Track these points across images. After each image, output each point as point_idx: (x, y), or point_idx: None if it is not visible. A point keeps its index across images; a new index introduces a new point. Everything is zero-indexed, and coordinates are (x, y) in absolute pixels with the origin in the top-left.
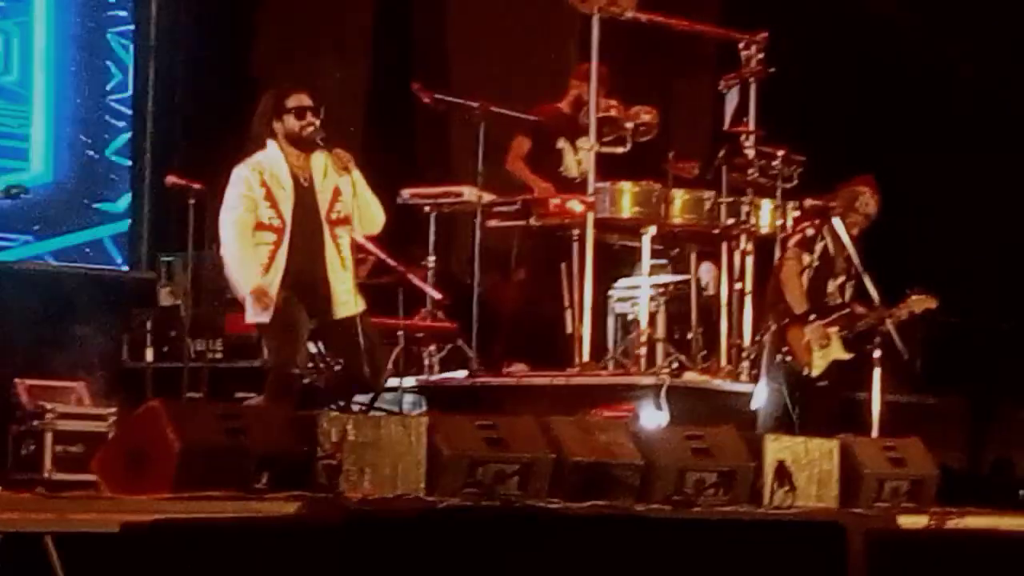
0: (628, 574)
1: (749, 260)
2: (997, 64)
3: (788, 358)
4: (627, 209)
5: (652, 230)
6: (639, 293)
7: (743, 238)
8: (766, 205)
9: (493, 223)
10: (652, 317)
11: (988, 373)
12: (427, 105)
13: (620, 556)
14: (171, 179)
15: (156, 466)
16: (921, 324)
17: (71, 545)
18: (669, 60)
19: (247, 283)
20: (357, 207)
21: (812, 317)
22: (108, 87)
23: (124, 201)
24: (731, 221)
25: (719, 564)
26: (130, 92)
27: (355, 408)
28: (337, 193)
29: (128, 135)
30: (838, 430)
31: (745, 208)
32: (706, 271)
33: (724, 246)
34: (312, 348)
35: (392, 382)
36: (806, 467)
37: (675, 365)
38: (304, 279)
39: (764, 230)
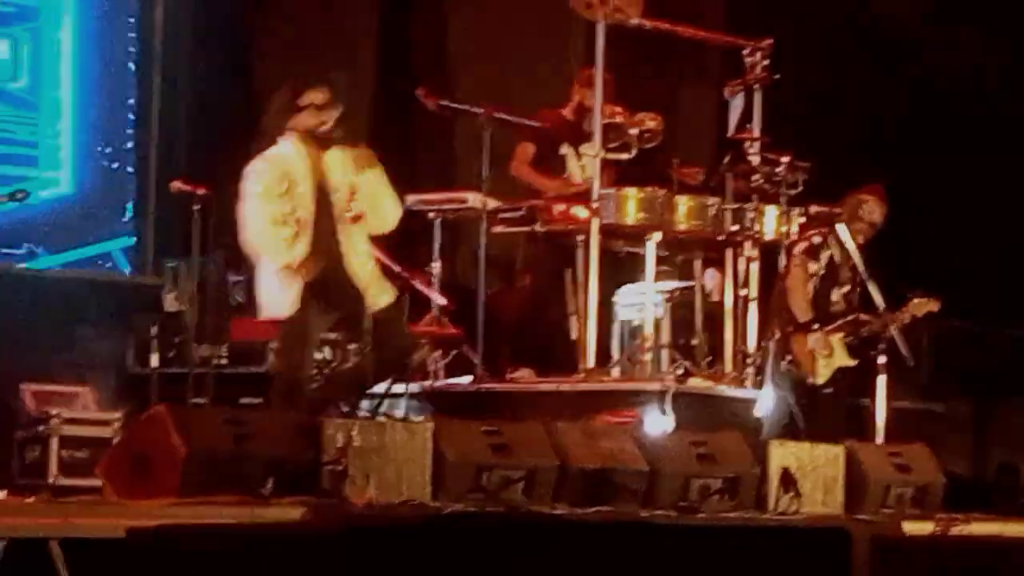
0: None
1: (754, 266)
2: (1001, 65)
3: (792, 365)
4: (632, 215)
5: (657, 236)
6: (644, 299)
7: (748, 244)
8: (771, 212)
9: (498, 229)
10: (657, 323)
11: (993, 379)
12: (431, 111)
13: (625, 562)
14: (176, 185)
15: (161, 471)
16: (926, 330)
17: (76, 550)
18: (674, 66)
19: (277, 259)
20: (373, 205)
21: (816, 325)
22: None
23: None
24: (736, 227)
25: (724, 570)
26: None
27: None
28: (353, 190)
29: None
30: (844, 436)
31: (750, 215)
32: (710, 277)
33: (729, 252)
34: (318, 355)
35: (397, 388)
36: (811, 473)
37: (680, 371)
38: (325, 275)
39: (769, 236)
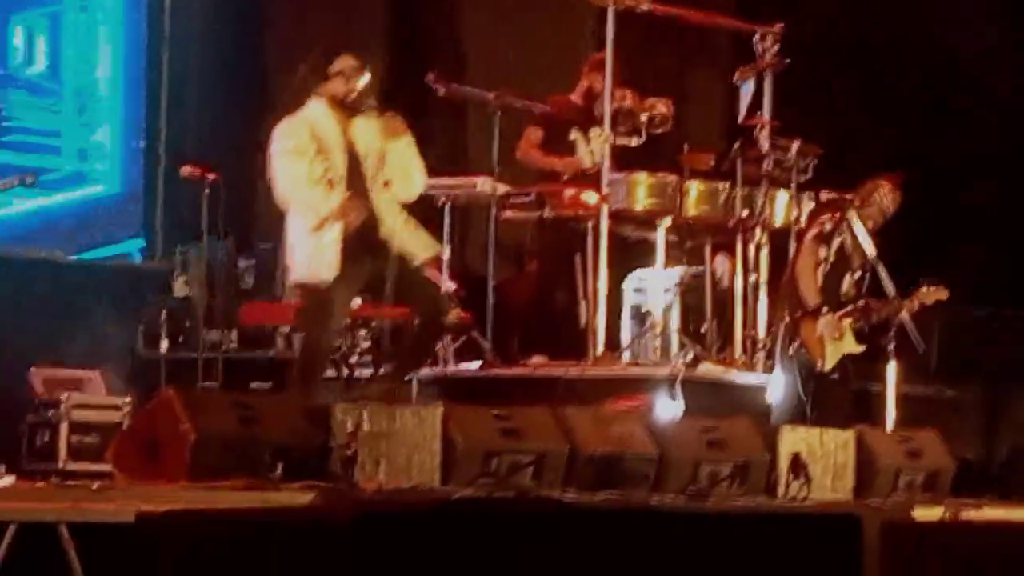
0: (642, 566)
1: (764, 252)
2: (1014, 49)
3: (801, 350)
4: (642, 201)
5: (667, 222)
6: (654, 285)
7: (758, 230)
8: (781, 197)
9: (508, 214)
10: (666, 309)
11: (1003, 364)
12: (442, 96)
13: (634, 548)
14: (186, 169)
15: (171, 456)
16: (936, 316)
17: (86, 534)
18: (684, 52)
19: (326, 204)
20: (402, 172)
21: (825, 310)
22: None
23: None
24: (746, 213)
25: (733, 556)
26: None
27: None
28: (383, 156)
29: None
30: (853, 422)
31: (760, 200)
32: (721, 263)
33: (739, 238)
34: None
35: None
36: (821, 459)
37: (690, 357)
38: (360, 238)
39: (779, 222)
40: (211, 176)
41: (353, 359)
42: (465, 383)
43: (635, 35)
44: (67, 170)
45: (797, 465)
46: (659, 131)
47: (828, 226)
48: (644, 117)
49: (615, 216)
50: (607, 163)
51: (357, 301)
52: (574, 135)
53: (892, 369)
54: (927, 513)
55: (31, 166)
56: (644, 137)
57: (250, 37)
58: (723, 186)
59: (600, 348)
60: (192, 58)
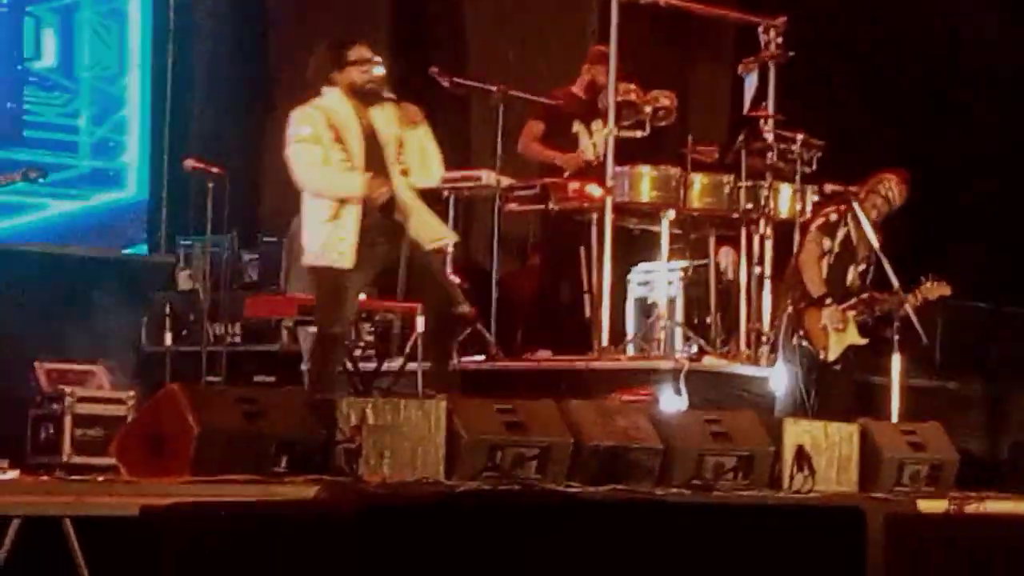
0: (647, 558)
1: (768, 244)
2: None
3: (804, 341)
4: (646, 193)
5: (671, 214)
6: (658, 277)
7: (762, 223)
8: (785, 190)
9: (512, 207)
10: (671, 302)
11: (1007, 357)
12: (446, 89)
13: (639, 540)
14: (190, 163)
15: (175, 450)
16: (940, 309)
17: (90, 528)
18: (688, 44)
19: (351, 182)
20: (420, 160)
21: (829, 301)
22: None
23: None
24: (750, 205)
25: (738, 548)
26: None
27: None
28: (400, 144)
29: None
30: (857, 414)
31: (764, 193)
32: (725, 255)
33: (743, 230)
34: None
35: (410, 367)
36: (826, 451)
37: (694, 349)
38: (377, 224)
39: (783, 215)
40: (215, 170)
41: (356, 352)
42: (469, 376)
43: (639, 28)
44: (84, 168)
45: (802, 457)
46: (663, 124)
47: (833, 217)
48: (648, 110)
49: (619, 209)
50: (611, 156)
51: (361, 296)
52: (577, 128)
53: (896, 361)
54: (931, 506)
55: (48, 162)
56: (648, 130)
57: (255, 32)
58: (727, 179)
59: (604, 341)
60: (197, 53)
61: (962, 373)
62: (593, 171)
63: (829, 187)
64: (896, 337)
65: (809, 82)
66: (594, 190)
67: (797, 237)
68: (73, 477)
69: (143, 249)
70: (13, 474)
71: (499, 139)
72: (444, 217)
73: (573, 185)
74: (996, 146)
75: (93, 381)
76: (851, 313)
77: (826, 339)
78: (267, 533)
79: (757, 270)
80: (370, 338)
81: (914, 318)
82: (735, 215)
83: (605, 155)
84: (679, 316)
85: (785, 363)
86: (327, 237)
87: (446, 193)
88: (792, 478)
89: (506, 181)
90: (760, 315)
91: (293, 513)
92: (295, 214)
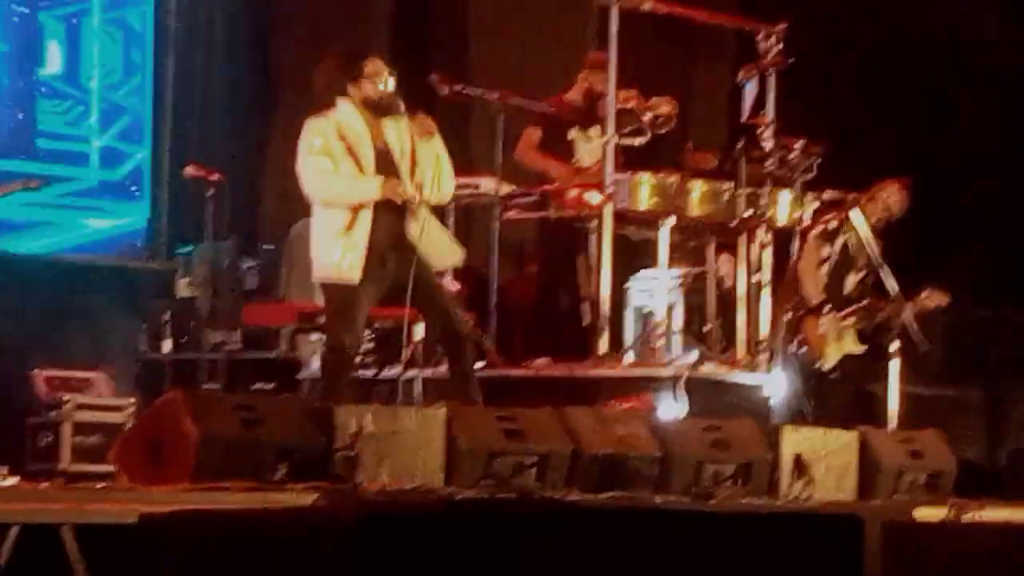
0: (645, 566)
1: (767, 252)
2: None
3: (802, 349)
4: (645, 201)
5: (670, 222)
6: (657, 285)
7: (761, 230)
8: (784, 197)
9: (511, 214)
10: (670, 309)
11: (1006, 365)
12: (445, 96)
13: (637, 548)
14: (190, 170)
15: (174, 457)
16: (939, 316)
17: (89, 536)
18: (687, 51)
19: (369, 187)
20: (436, 174)
21: (827, 309)
22: None
23: None
24: (749, 213)
25: (736, 556)
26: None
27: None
28: (415, 157)
29: None
30: (855, 422)
31: (763, 200)
32: (724, 263)
33: (742, 238)
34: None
35: (410, 374)
36: (824, 459)
37: (693, 357)
38: (389, 240)
39: (782, 222)
40: (215, 177)
41: (356, 360)
42: None
43: (638, 34)
44: (93, 180)
45: (800, 465)
46: (662, 131)
47: (832, 224)
48: (647, 117)
49: (618, 216)
50: (610, 163)
51: None
52: (574, 135)
53: (895, 369)
54: (929, 514)
55: (58, 174)
56: (647, 137)
57: (255, 38)
58: (726, 186)
59: (603, 348)
60: (197, 60)
61: (961, 380)
62: (592, 178)
63: (828, 194)
64: (895, 344)
65: (809, 86)
66: (593, 197)
67: (796, 244)
68: (72, 484)
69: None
70: (12, 481)
71: (499, 146)
72: (444, 224)
73: (572, 192)
74: (996, 146)
75: (92, 388)
76: (850, 321)
77: (824, 347)
78: (265, 540)
79: (756, 277)
80: (370, 345)
81: (913, 326)
82: (734, 222)
83: (603, 162)
84: (678, 324)
85: (783, 371)
86: (338, 251)
87: None
88: (790, 486)
89: (506, 188)
90: (759, 323)
91: (292, 520)
92: (295, 221)
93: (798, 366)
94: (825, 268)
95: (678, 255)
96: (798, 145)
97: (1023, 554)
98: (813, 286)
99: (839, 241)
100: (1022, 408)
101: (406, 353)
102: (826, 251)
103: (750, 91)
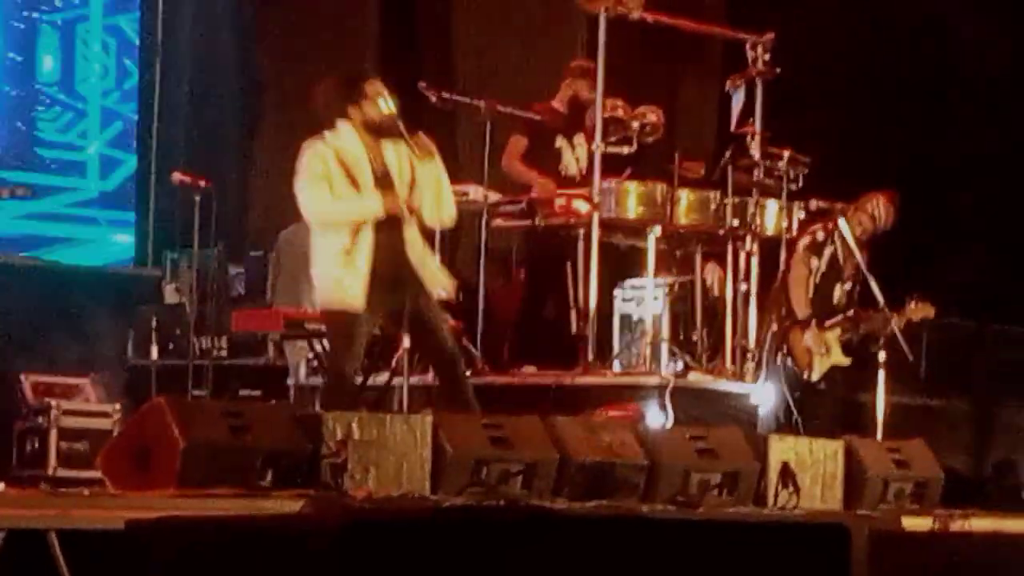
0: (632, 574)
1: (754, 261)
2: (1008, 60)
3: (788, 359)
4: (632, 209)
5: (657, 230)
6: (644, 294)
7: (748, 239)
8: (772, 206)
9: (498, 222)
10: (657, 318)
11: (992, 376)
12: (433, 104)
13: (624, 556)
14: (177, 176)
15: (161, 463)
16: (926, 327)
17: (75, 542)
18: (675, 60)
19: (370, 204)
20: (432, 196)
21: (814, 322)
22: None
23: None
24: (736, 222)
25: (723, 565)
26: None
27: None
28: (414, 179)
29: None
30: (842, 432)
31: (751, 209)
32: (711, 272)
33: (729, 247)
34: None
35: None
36: (810, 468)
37: (680, 366)
38: (388, 265)
39: (770, 231)
40: (202, 183)
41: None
42: None
43: (627, 44)
44: (92, 191)
45: (786, 474)
46: (650, 140)
47: (820, 235)
48: (635, 126)
49: (606, 225)
50: (597, 172)
51: None
52: (559, 143)
53: (881, 379)
54: (915, 523)
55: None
56: (635, 146)
57: (242, 47)
58: (714, 195)
59: (590, 356)
60: (184, 67)
61: (947, 390)
62: (579, 186)
63: (815, 204)
64: (881, 355)
65: (796, 96)
66: (580, 206)
67: (783, 254)
68: (58, 490)
69: (129, 262)
70: None
71: (486, 154)
72: (431, 232)
73: (559, 201)
74: (983, 159)
75: (79, 394)
76: (836, 332)
77: (810, 359)
78: (252, 547)
79: (743, 287)
80: None
81: (899, 336)
82: (721, 231)
83: (589, 170)
84: (665, 332)
85: (770, 380)
86: (339, 277)
87: None
88: (777, 495)
89: (493, 196)
90: (746, 332)
91: (278, 527)
92: (282, 228)
93: (785, 376)
94: (813, 280)
95: (665, 264)
96: (785, 155)
97: (1008, 564)
98: (801, 300)
99: (827, 252)
100: (1007, 418)
101: (395, 359)
102: (815, 264)
103: (738, 101)
